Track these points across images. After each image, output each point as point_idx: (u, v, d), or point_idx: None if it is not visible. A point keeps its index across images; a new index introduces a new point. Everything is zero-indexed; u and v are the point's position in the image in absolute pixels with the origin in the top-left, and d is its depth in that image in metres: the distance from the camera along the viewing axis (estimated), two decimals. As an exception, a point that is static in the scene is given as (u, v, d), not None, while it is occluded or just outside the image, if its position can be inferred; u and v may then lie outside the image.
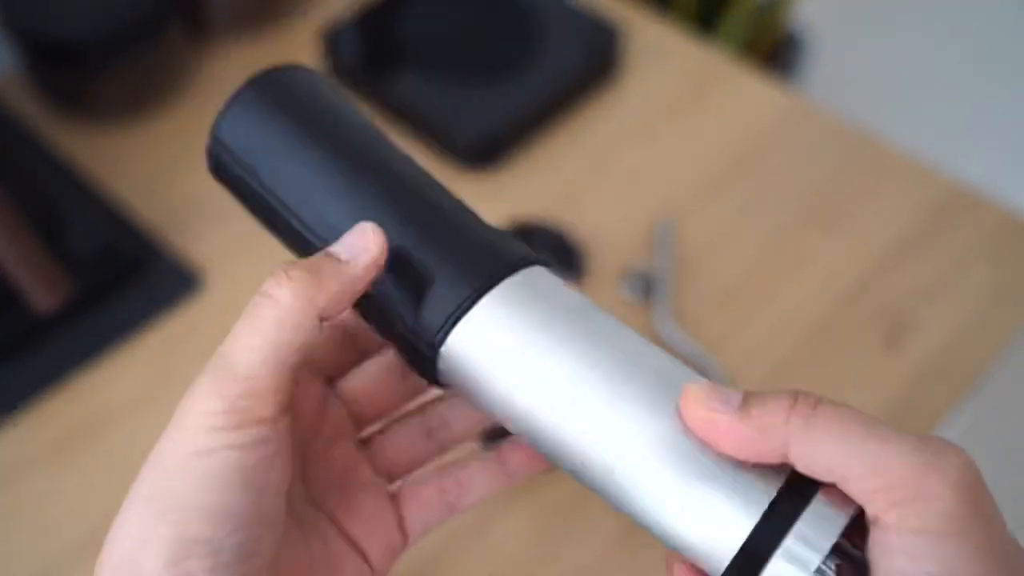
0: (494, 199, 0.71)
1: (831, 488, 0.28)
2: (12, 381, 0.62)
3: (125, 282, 0.66)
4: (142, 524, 0.29)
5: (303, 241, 0.33)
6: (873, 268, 0.68)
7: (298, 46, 0.80)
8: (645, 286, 0.66)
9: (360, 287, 0.30)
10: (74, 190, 0.70)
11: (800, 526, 0.27)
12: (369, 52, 0.75)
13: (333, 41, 0.76)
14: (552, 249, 0.67)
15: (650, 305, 0.66)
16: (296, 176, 0.33)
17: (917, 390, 0.62)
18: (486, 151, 0.71)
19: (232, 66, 0.79)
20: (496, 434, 0.54)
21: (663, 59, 0.79)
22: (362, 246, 0.30)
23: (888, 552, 0.26)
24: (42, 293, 0.58)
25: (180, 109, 0.76)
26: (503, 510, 0.58)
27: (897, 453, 0.26)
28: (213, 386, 0.28)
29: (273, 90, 0.34)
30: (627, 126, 0.75)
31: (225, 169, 0.34)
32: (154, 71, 0.74)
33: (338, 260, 0.30)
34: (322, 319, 0.29)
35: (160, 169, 0.73)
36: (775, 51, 1.44)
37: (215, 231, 0.69)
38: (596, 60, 0.75)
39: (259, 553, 0.28)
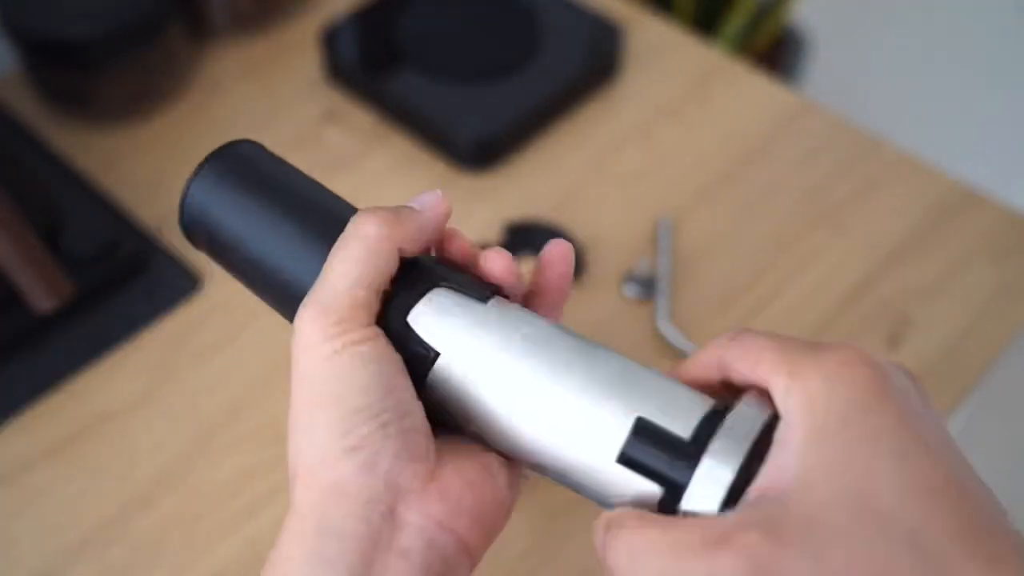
0: (494, 199, 0.71)
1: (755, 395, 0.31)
2: (12, 381, 0.62)
3: (125, 282, 0.66)
4: (308, 422, 0.32)
5: (276, 281, 0.37)
6: (873, 268, 0.68)
7: (298, 46, 0.80)
8: (646, 286, 0.66)
9: (429, 233, 0.35)
10: (74, 190, 0.70)
11: (723, 430, 0.30)
12: (369, 52, 0.75)
13: (333, 41, 0.76)
14: (552, 249, 0.67)
15: (650, 305, 0.66)
16: (264, 227, 0.37)
17: (917, 390, 0.62)
18: (486, 151, 0.71)
19: (232, 66, 0.79)
20: None
21: (663, 59, 0.79)
22: (432, 204, 0.36)
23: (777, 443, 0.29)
24: (42, 293, 0.58)
25: (180, 109, 0.76)
26: (503, 510, 0.58)
27: (798, 348, 0.30)
28: (320, 307, 0.33)
29: (230, 163, 0.38)
30: (627, 126, 0.75)
31: (199, 229, 0.38)
32: (154, 71, 0.74)
33: (412, 209, 0.35)
34: (400, 252, 0.34)
35: (160, 169, 0.73)
36: (775, 51, 1.44)
37: (215, 231, 0.69)
38: (596, 60, 0.75)
39: (411, 413, 0.33)
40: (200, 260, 0.68)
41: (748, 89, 0.78)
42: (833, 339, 0.65)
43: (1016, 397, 1.55)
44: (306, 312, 0.33)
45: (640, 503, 0.32)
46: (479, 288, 0.36)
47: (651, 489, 0.31)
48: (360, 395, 0.32)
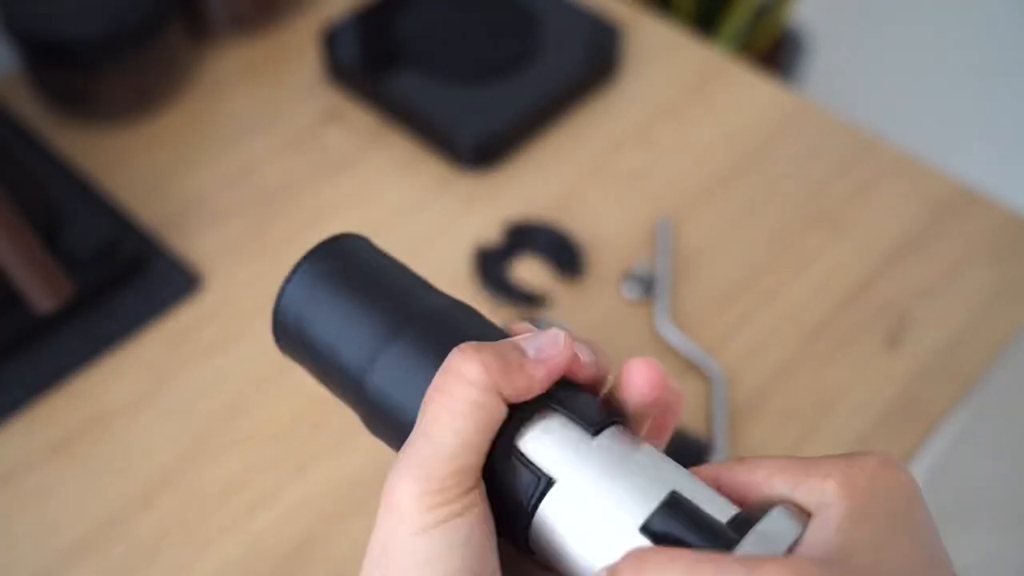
0: (494, 199, 0.71)
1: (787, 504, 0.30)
2: (12, 381, 0.62)
3: (125, 282, 0.66)
4: None
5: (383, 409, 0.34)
6: (873, 268, 0.68)
7: (298, 46, 0.80)
8: (645, 286, 0.66)
9: (536, 390, 0.31)
10: (74, 190, 0.70)
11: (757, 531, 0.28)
12: (369, 52, 0.75)
13: (333, 41, 0.76)
14: (552, 249, 0.67)
15: (650, 305, 0.66)
16: (360, 331, 0.34)
17: (917, 390, 0.63)
18: (486, 151, 0.71)
19: (232, 66, 0.79)
20: None
21: (663, 59, 0.79)
22: (552, 352, 0.31)
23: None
24: (42, 293, 0.58)
25: (180, 109, 0.76)
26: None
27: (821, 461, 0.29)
28: (423, 475, 0.30)
29: (330, 260, 0.35)
30: (627, 126, 0.75)
31: (290, 334, 0.35)
32: (154, 71, 0.74)
33: (524, 354, 0.31)
34: (507, 403, 0.31)
35: (160, 169, 0.73)
36: (775, 51, 1.44)
37: (215, 231, 0.70)
38: (596, 60, 0.75)
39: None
40: (200, 260, 0.68)
41: (748, 89, 0.78)
42: (837, 337, 0.65)
43: (1016, 397, 1.55)
44: (405, 481, 0.30)
45: None
46: (593, 414, 0.31)
47: None
48: (458, 566, 0.29)
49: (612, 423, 0.31)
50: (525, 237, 0.68)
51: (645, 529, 0.29)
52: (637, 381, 0.32)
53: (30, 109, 0.76)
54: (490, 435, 0.30)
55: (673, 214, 0.71)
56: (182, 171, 0.73)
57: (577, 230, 0.70)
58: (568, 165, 0.73)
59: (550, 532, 0.30)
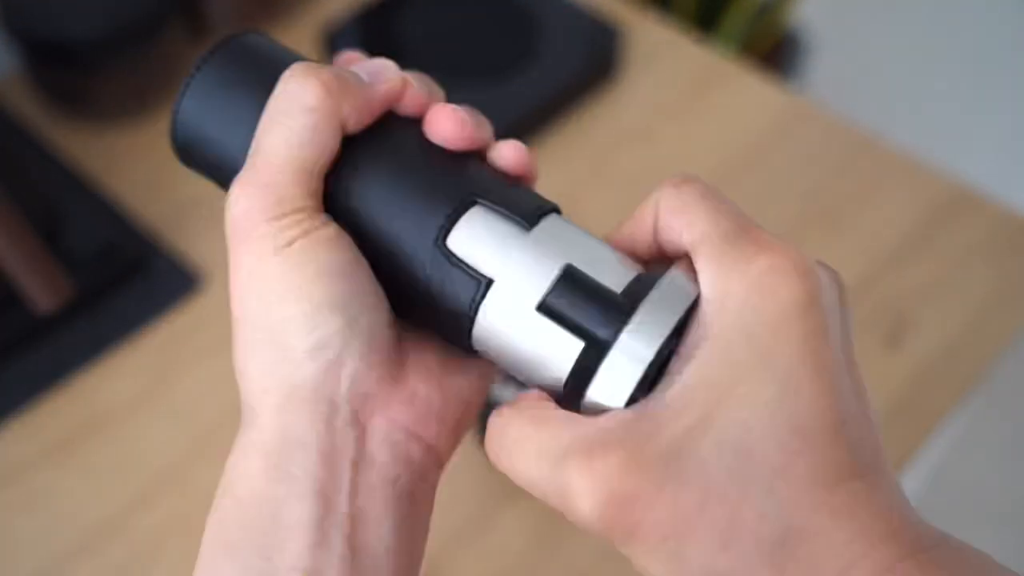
0: (494, 199, 0.71)
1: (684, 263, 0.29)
2: (12, 381, 0.62)
3: (125, 282, 0.66)
4: (267, 325, 0.29)
5: None
6: (873, 268, 0.68)
7: (298, 46, 0.80)
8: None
9: (378, 109, 0.31)
10: (74, 190, 0.70)
11: (644, 308, 0.28)
12: (369, 52, 0.75)
13: (333, 41, 0.76)
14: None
15: (650, 305, 0.66)
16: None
17: (917, 390, 0.63)
18: (486, 151, 0.71)
19: (232, 66, 0.79)
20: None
21: (663, 59, 0.79)
22: (386, 74, 0.31)
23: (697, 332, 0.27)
24: (42, 293, 0.58)
25: (180, 109, 0.76)
26: (503, 510, 0.58)
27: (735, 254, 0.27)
28: (260, 188, 0.29)
29: (228, 63, 0.33)
30: (627, 126, 0.75)
31: (192, 147, 0.34)
32: (154, 71, 0.74)
33: (359, 78, 0.30)
34: (343, 127, 0.30)
35: (160, 169, 0.73)
36: (775, 51, 1.44)
37: (215, 231, 0.70)
38: (596, 60, 0.75)
39: (378, 306, 0.30)
40: (200, 260, 0.68)
41: (747, 90, 0.78)
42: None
43: (1016, 397, 1.55)
44: (242, 194, 0.29)
45: (554, 373, 0.29)
46: (527, 207, 0.30)
47: (570, 350, 0.28)
48: (326, 286, 0.28)
49: (547, 213, 0.31)
50: (525, 237, 0.68)
51: (541, 307, 0.29)
52: (505, 160, 0.32)
53: (30, 109, 0.76)
54: (328, 159, 0.30)
55: (673, 214, 0.71)
56: (182, 171, 0.73)
57: (577, 230, 0.70)
58: (568, 165, 0.73)
59: (493, 335, 0.30)
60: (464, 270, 0.29)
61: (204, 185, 0.72)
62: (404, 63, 0.74)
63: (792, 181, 0.72)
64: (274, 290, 0.29)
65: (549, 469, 0.26)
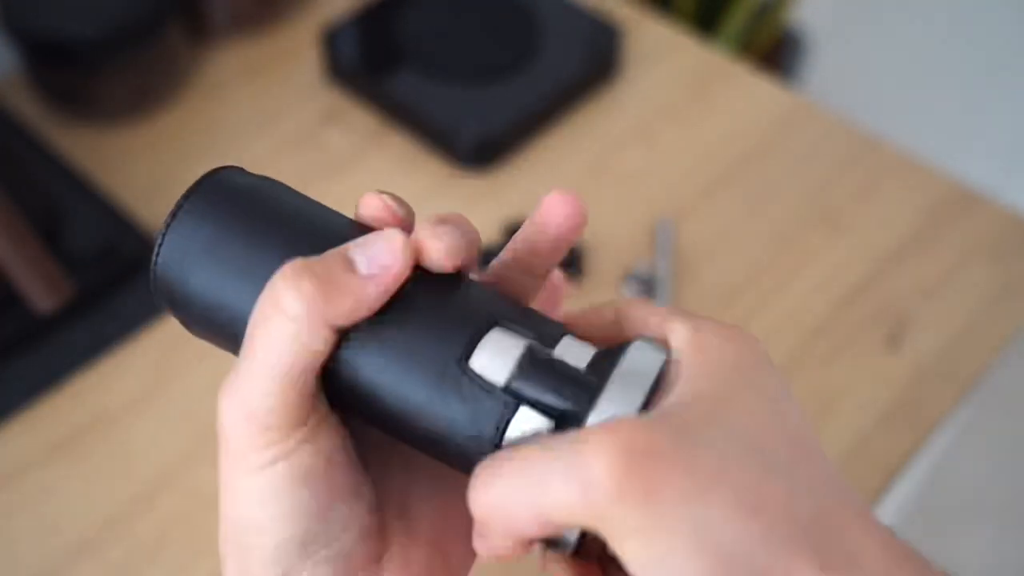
0: (494, 199, 0.71)
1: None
2: (12, 381, 0.62)
3: (125, 282, 0.66)
4: (236, 543, 0.29)
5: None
6: (873, 268, 0.68)
7: (298, 46, 0.80)
8: (645, 286, 0.66)
9: (375, 308, 0.28)
10: (74, 190, 0.70)
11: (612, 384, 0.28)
12: (369, 52, 0.75)
13: (333, 41, 0.76)
14: (552, 249, 0.67)
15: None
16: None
17: (917, 390, 0.63)
18: (486, 151, 0.71)
19: (232, 66, 0.79)
20: None
21: (663, 59, 0.79)
22: (386, 261, 0.28)
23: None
24: (42, 293, 0.58)
25: (180, 109, 0.76)
26: None
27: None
28: (244, 410, 0.28)
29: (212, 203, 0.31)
30: (627, 126, 0.75)
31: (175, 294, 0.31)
32: (154, 71, 0.74)
33: (353, 267, 0.28)
34: (335, 328, 0.28)
35: (160, 169, 0.73)
36: (775, 51, 1.44)
37: (215, 231, 0.69)
38: (596, 60, 0.75)
39: (351, 523, 0.29)
40: (200, 260, 0.68)
41: (748, 89, 0.78)
42: (837, 338, 0.65)
43: (1016, 397, 1.55)
44: (229, 413, 0.28)
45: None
46: (546, 327, 0.30)
47: (538, 427, 0.28)
48: (285, 526, 0.28)
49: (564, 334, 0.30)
50: (525, 237, 0.68)
51: (507, 390, 0.28)
52: (555, 217, 0.31)
53: (30, 109, 0.76)
54: (316, 364, 0.28)
55: (673, 214, 0.71)
56: (182, 171, 0.73)
57: (577, 230, 0.70)
58: (568, 165, 0.73)
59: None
60: (490, 393, 0.28)
61: (204, 185, 0.72)
62: (404, 64, 0.74)
63: (792, 181, 0.72)
64: (244, 514, 0.28)
65: (555, 452, 0.25)
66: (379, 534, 0.30)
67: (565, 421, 0.28)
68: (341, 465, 0.29)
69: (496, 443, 0.28)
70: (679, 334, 0.28)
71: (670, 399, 0.26)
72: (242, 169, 0.32)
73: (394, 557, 0.30)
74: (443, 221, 0.30)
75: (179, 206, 0.30)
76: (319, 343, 0.27)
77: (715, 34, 1.37)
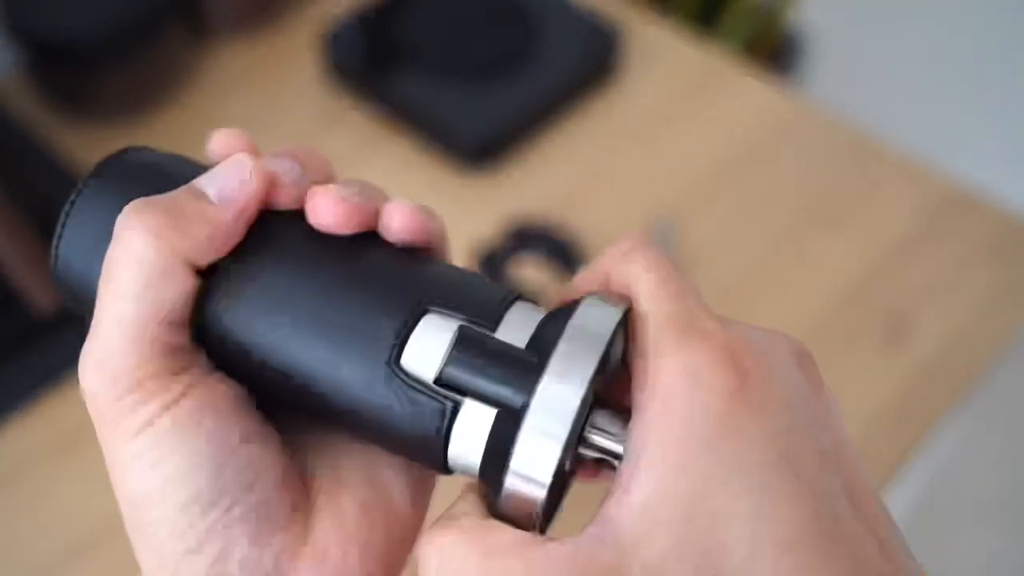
0: (494, 199, 0.71)
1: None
2: (11, 381, 0.62)
3: (125, 282, 0.66)
4: (135, 523, 0.26)
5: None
6: (873, 268, 0.68)
7: (298, 46, 0.80)
8: (645, 286, 0.66)
9: (234, 234, 0.26)
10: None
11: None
12: (369, 52, 0.75)
13: (333, 41, 0.76)
14: (553, 249, 0.67)
15: (650, 305, 0.66)
16: None
17: (917, 390, 0.62)
18: (486, 151, 0.71)
19: (232, 66, 0.79)
20: None
21: (663, 59, 0.79)
22: (236, 188, 0.26)
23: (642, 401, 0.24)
24: (42, 293, 0.58)
25: (180, 109, 0.76)
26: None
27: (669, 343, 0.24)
28: (103, 372, 0.25)
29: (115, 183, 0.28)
30: (627, 126, 0.75)
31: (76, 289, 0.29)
32: (154, 70, 0.74)
33: (204, 199, 0.26)
34: (193, 267, 0.25)
35: (160, 169, 0.73)
36: (775, 51, 1.44)
37: (215, 231, 0.69)
38: (596, 60, 0.75)
39: (263, 474, 0.26)
40: (200, 260, 0.68)
41: (747, 90, 0.78)
42: (836, 337, 0.65)
43: (1016, 397, 1.55)
44: (91, 380, 0.25)
45: (471, 455, 0.26)
46: (490, 296, 0.27)
47: (482, 423, 0.25)
48: (184, 485, 0.24)
49: (511, 304, 0.27)
50: (526, 237, 0.68)
51: (438, 381, 0.25)
52: (394, 226, 0.27)
53: (31, 109, 0.76)
54: (178, 305, 0.25)
55: (673, 214, 0.71)
56: (182, 171, 0.73)
57: (578, 230, 0.70)
58: (568, 165, 0.73)
59: (464, 450, 0.26)
60: (427, 393, 0.26)
61: (204, 185, 0.72)
62: (404, 63, 0.74)
63: (792, 181, 0.72)
64: (134, 489, 0.25)
65: (502, 559, 0.23)
66: (299, 480, 0.27)
67: (506, 411, 0.25)
68: (236, 410, 0.26)
69: (444, 445, 0.26)
70: (662, 343, 0.24)
71: (624, 503, 0.23)
72: (147, 148, 0.30)
73: (323, 507, 0.27)
74: (289, 154, 0.27)
75: (76, 193, 0.28)
76: (178, 284, 0.25)
77: (715, 34, 1.37)
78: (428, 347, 0.26)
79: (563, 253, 0.67)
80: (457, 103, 0.72)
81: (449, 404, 0.26)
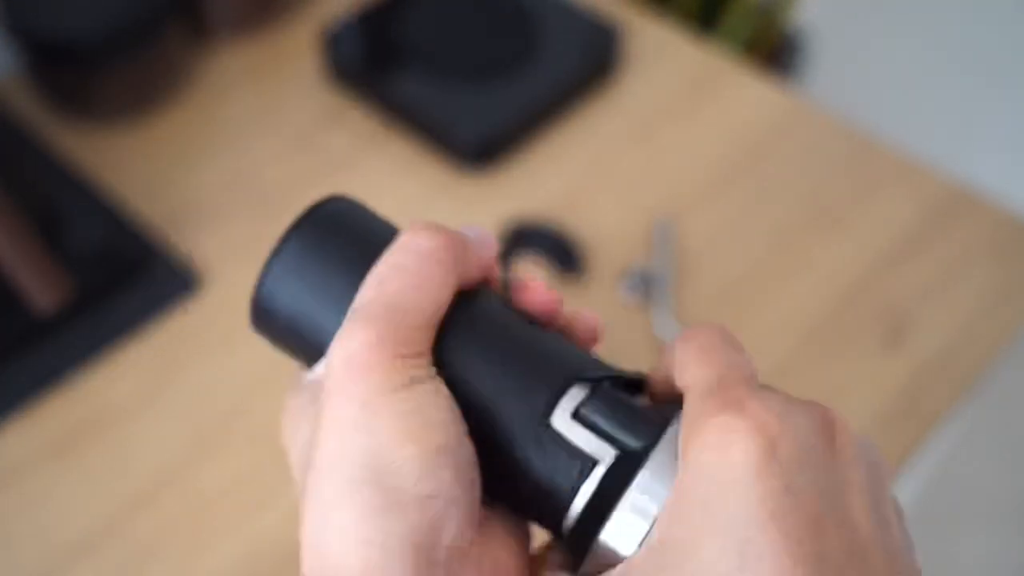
0: (494, 199, 0.71)
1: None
2: (12, 381, 0.62)
3: (125, 282, 0.66)
4: (347, 478, 0.27)
5: None
6: (873, 268, 0.68)
7: (298, 46, 0.80)
8: (645, 286, 0.66)
9: (482, 272, 0.31)
10: (74, 190, 0.70)
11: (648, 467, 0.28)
12: (369, 52, 0.75)
13: (333, 41, 0.76)
14: (552, 248, 0.67)
15: (650, 305, 0.66)
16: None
17: (917, 390, 0.63)
18: (486, 151, 0.71)
19: (232, 66, 0.79)
20: None
21: (663, 59, 0.79)
22: (484, 238, 0.32)
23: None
24: (42, 293, 0.58)
25: (180, 109, 0.76)
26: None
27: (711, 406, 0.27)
28: (384, 326, 0.28)
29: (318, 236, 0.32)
30: (627, 126, 0.75)
31: (273, 321, 0.33)
32: (154, 71, 0.74)
33: (468, 237, 0.31)
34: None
35: (160, 169, 0.73)
36: (775, 51, 1.44)
37: (215, 231, 0.70)
38: (596, 60, 0.75)
39: (475, 465, 0.28)
40: (200, 260, 0.68)
41: (747, 89, 0.78)
42: (836, 338, 0.65)
43: (1016, 397, 1.55)
44: (366, 328, 0.28)
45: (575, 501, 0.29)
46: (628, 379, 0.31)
47: (599, 458, 0.29)
48: (443, 432, 0.27)
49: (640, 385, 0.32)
50: (525, 237, 0.68)
51: (575, 416, 0.29)
52: (535, 301, 0.33)
53: (30, 109, 0.76)
54: (442, 311, 0.29)
55: (673, 214, 0.71)
56: (182, 171, 0.73)
57: (577, 230, 0.70)
58: (568, 165, 0.73)
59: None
60: (568, 450, 0.29)
61: (204, 185, 0.72)
62: (404, 63, 0.74)
63: (792, 181, 0.72)
64: (392, 427, 0.27)
65: None
66: (474, 507, 0.29)
67: (622, 455, 0.29)
68: (460, 416, 0.29)
69: (571, 498, 0.29)
70: (696, 415, 0.27)
71: (651, 541, 0.26)
72: (344, 197, 0.33)
73: (493, 531, 0.30)
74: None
75: (282, 242, 0.32)
76: (449, 290, 0.30)
77: (715, 34, 1.37)
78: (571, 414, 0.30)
79: (563, 253, 0.67)
80: (457, 103, 0.72)
81: (588, 464, 0.29)
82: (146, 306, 0.65)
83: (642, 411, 0.30)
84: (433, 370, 0.28)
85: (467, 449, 0.28)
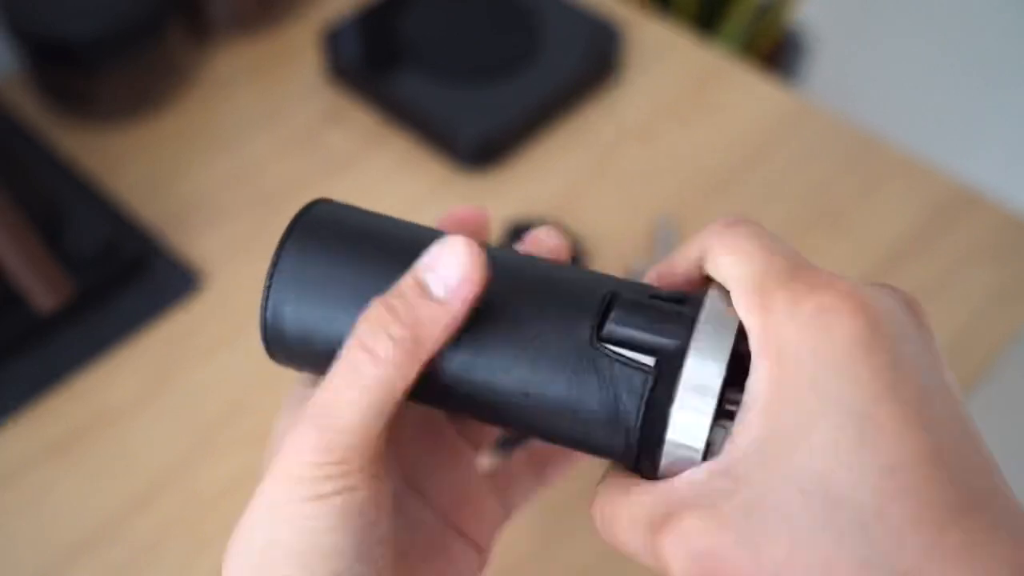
0: (494, 199, 0.71)
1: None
2: (12, 381, 0.62)
3: (125, 282, 0.66)
4: (259, 565, 0.28)
5: None
6: (873, 268, 0.68)
7: (298, 46, 0.80)
8: (645, 286, 0.66)
9: (459, 323, 0.29)
10: (74, 190, 0.70)
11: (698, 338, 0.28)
12: (369, 52, 0.75)
13: (333, 41, 0.76)
14: (552, 249, 0.67)
15: (650, 305, 0.66)
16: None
17: (917, 390, 0.62)
18: (487, 151, 0.71)
19: (232, 66, 0.79)
20: (509, 441, 0.54)
21: (663, 59, 0.79)
22: (459, 276, 0.28)
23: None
24: (42, 293, 0.58)
25: (180, 109, 0.76)
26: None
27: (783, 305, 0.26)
28: (321, 438, 0.28)
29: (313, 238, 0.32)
30: (627, 126, 0.75)
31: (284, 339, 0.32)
32: (154, 71, 0.74)
33: (432, 300, 0.28)
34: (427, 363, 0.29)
35: (160, 169, 0.73)
36: (775, 51, 1.44)
37: (215, 231, 0.70)
38: (596, 60, 0.75)
39: (377, 564, 0.29)
40: (200, 260, 0.68)
41: (748, 89, 0.78)
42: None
43: (1016, 397, 1.55)
44: (301, 438, 0.28)
45: (624, 403, 0.29)
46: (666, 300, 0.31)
47: (638, 376, 0.29)
48: (327, 560, 0.27)
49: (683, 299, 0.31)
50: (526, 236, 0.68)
51: (601, 338, 0.29)
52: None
53: (31, 109, 0.76)
54: (396, 407, 0.28)
55: (673, 214, 0.71)
56: (183, 171, 0.73)
57: (577, 230, 0.70)
58: (569, 165, 0.73)
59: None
60: (627, 364, 0.29)
61: (204, 185, 0.72)
62: (404, 63, 0.74)
63: (792, 181, 0.72)
64: (288, 543, 0.27)
65: (642, 538, 0.26)
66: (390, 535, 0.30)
67: (661, 360, 0.29)
68: (385, 514, 0.29)
69: (639, 422, 0.29)
70: (752, 326, 0.26)
71: (737, 443, 0.26)
72: (329, 200, 0.33)
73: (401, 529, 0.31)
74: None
75: (278, 253, 0.31)
76: (408, 381, 0.28)
77: (715, 34, 1.36)
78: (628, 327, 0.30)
79: (563, 253, 0.67)
80: (457, 103, 0.72)
81: (646, 371, 0.29)
82: (146, 306, 0.65)
83: (662, 310, 0.30)
84: (361, 479, 0.28)
85: (370, 567, 0.28)
